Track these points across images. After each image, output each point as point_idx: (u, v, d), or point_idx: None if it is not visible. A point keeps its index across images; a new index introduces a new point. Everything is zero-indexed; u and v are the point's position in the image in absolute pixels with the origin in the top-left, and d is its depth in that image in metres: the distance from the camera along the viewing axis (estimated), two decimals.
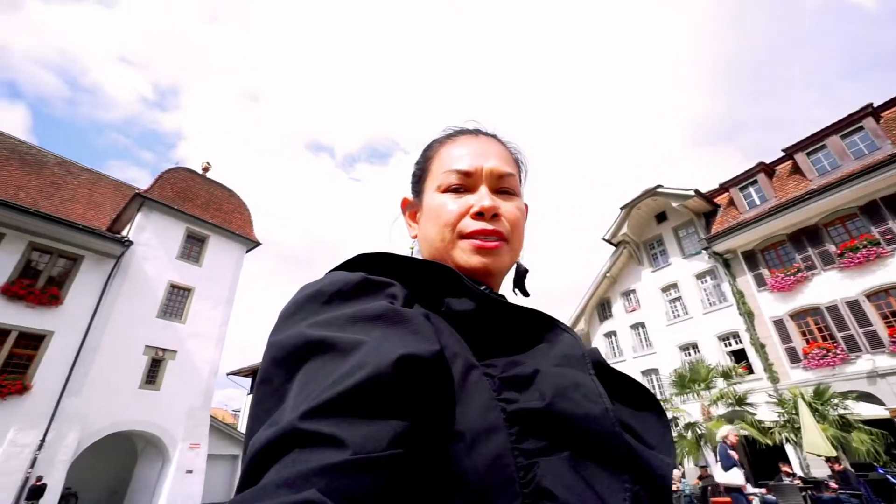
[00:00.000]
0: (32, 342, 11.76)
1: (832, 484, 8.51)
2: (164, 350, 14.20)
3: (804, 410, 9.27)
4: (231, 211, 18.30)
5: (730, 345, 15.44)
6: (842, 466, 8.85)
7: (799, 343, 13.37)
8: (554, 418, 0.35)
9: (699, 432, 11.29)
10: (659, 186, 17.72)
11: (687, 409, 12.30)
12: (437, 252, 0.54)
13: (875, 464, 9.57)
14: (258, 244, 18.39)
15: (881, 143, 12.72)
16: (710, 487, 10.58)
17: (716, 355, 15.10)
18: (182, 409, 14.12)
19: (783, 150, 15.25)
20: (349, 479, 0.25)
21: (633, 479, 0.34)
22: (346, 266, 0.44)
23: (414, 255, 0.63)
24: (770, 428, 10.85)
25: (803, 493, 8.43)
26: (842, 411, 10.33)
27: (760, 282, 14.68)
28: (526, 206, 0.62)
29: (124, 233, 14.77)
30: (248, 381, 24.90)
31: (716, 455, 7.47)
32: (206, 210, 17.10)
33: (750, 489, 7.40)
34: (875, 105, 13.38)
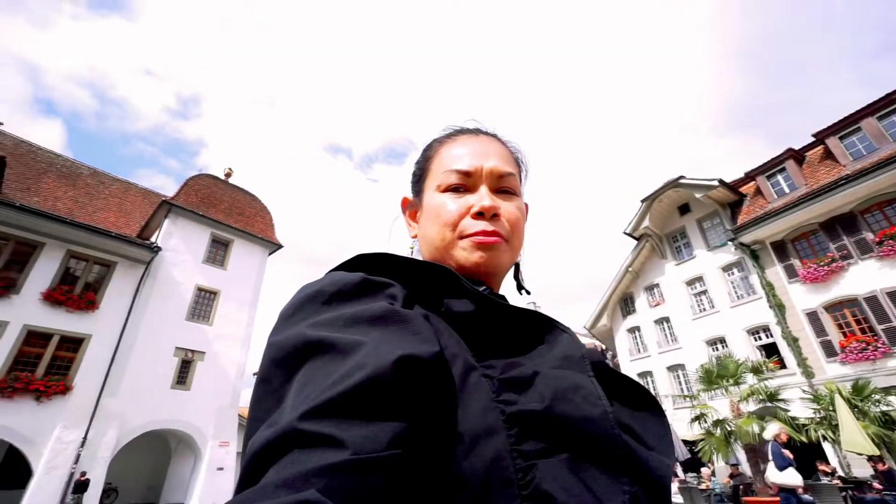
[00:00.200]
0: (73, 345, 12.42)
1: (876, 484, 8.11)
2: (193, 351, 14.74)
3: (842, 407, 8.80)
4: (253, 215, 18.82)
5: (759, 339, 14.88)
6: (886, 466, 8.40)
7: (835, 336, 12.76)
8: (553, 420, 0.35)
9: (728, 429, 10.93)
10: (681, 177, 17.23)
11: (715, 406, 11.93)
12: (437, 252, 0.53)
13: None
14: (280, 247, 18.84)
15: None
16: (741, 486, 10.25)
17: (745, 350, 14.57)
18: (212, 408, 14.63)
19: (813, 135, 14.59)
20: (348, 480, 0.24)
21: (632, 481, 0.34)
22: (346, 266, 0.44)
23: (414, 255, 0.63)
24: (805, 425, 10.41)
25: (843, 494, 8.03)
26: (884, 408, 9.81)
27: (791, 273, 14.08)
28: (526, 205, 0.61)
29: (153, 239, 15.39)
30: None
31: (768, 454, 7.07)
32: (230, 215, 17.63)
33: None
34: None
